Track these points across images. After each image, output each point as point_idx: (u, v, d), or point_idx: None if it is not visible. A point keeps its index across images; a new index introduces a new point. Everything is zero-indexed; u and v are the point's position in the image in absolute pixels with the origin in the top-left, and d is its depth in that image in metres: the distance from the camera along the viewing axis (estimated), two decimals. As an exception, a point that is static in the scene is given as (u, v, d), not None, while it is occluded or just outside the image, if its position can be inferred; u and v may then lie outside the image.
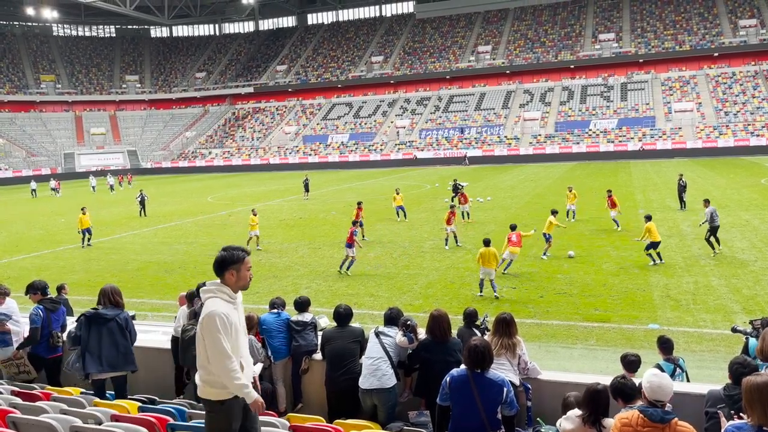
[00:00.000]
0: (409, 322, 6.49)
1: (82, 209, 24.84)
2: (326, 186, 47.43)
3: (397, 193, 27.74)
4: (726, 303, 13.16)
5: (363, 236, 22.42)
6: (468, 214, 25.86)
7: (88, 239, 24.44)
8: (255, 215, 21.97)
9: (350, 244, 17.49)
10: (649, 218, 17.21)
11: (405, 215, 27.26)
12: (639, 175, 43.01)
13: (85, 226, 24.10)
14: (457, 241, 20.85)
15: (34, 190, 52.93)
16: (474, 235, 21.70)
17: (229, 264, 4.43)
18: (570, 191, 25.23)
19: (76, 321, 7.06)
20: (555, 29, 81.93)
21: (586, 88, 73.04)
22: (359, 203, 24.28)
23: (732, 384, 4.89)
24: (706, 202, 18.83)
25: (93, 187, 54.94)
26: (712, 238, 17.68)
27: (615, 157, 59.41)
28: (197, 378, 4.52)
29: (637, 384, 4.54)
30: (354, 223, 19.26)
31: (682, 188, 26.24)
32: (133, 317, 11.41)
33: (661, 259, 16.79)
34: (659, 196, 30.89)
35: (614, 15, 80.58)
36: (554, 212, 18.87)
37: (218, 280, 4.49)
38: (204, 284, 4.69)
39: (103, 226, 26.04)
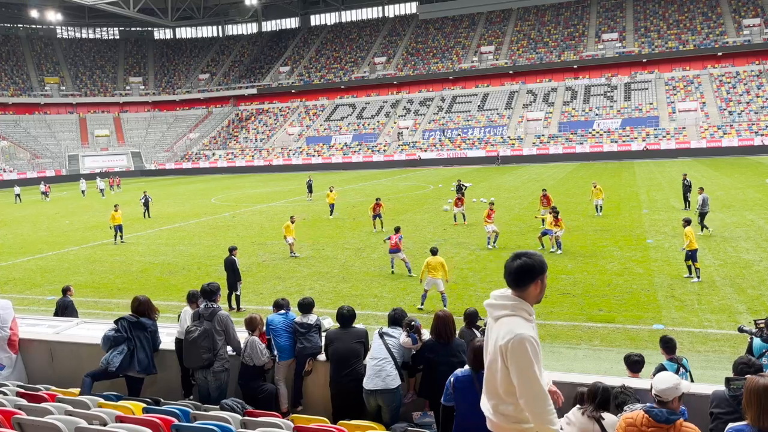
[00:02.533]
0: (412, 323, 6.50)
1: (115, 206, 26.08)
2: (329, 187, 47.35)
3: (331, 191, 29.97)
4: (731, 303, 13.11)
5: (382, 227, 24.51)
6: (464, 216, 25.78)
7: (121, 236, 25.43)
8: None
9: (395, 250, 17.17)
10: (687, 222, 15.65)
11: (331, 213, 29.33)
12: (643, 175, 42.93)
13: (116, 223, 25.08)
14: (495, 240, 20.37)
15: (18, 195, 49.06)
16: (479, 236, 21.64)
17: (539, 272, 3.55)
18: (595, 187, 26.06)
19: (117, 323, 7.35)
20: (558, 29, 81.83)
21: (589, 88, 72.92)
22: (377, 199, 25.63)
23: (737, 384, 4.86)
24: (701, 189, 21.03)
25: (83, 191, 52.57)
26: (701, 222, 20.16)
27: (619, 157, 59.32)
28: (488, 411, 3.77)
29: (647, 386, 4.56)
30: (396, 230, 17.80)
31: (686, 188, 26.21)
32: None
33: (698, 277, 14.89)
34: (663, 196, 30.82)
35: (617, 15, 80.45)
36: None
37: (509, 292, 3.60)
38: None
39: (106, 228, 26.25)
